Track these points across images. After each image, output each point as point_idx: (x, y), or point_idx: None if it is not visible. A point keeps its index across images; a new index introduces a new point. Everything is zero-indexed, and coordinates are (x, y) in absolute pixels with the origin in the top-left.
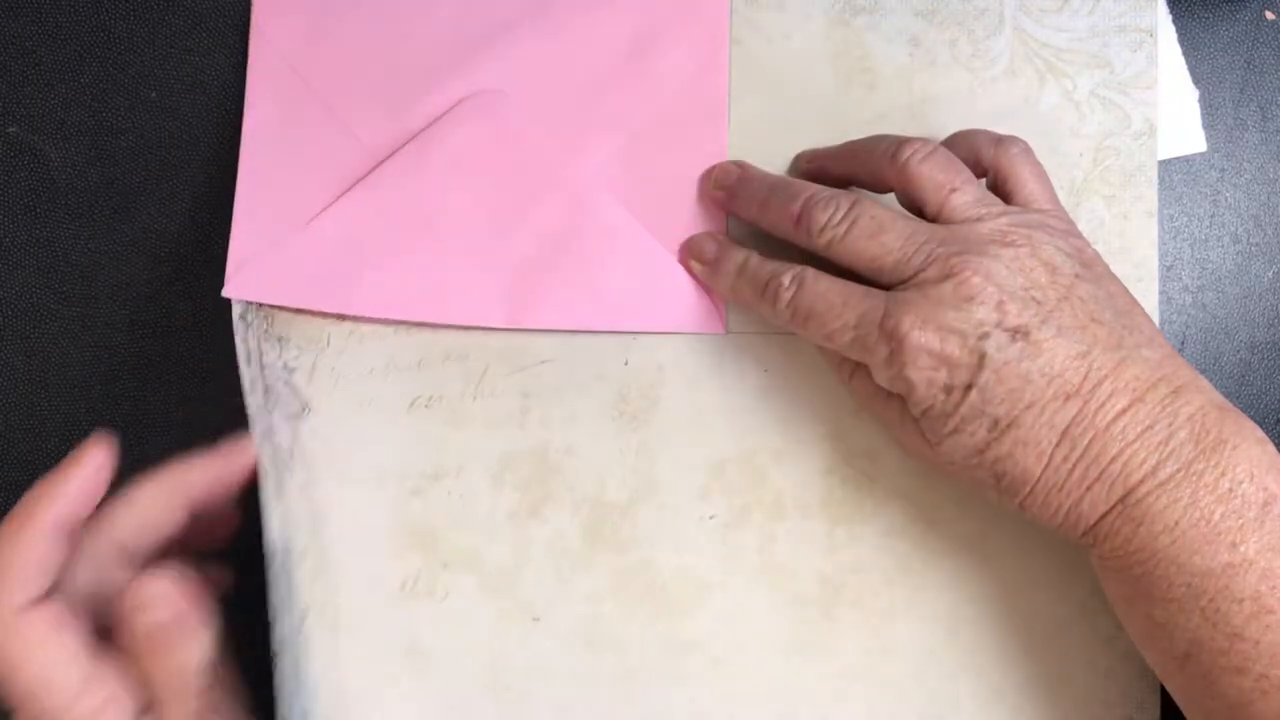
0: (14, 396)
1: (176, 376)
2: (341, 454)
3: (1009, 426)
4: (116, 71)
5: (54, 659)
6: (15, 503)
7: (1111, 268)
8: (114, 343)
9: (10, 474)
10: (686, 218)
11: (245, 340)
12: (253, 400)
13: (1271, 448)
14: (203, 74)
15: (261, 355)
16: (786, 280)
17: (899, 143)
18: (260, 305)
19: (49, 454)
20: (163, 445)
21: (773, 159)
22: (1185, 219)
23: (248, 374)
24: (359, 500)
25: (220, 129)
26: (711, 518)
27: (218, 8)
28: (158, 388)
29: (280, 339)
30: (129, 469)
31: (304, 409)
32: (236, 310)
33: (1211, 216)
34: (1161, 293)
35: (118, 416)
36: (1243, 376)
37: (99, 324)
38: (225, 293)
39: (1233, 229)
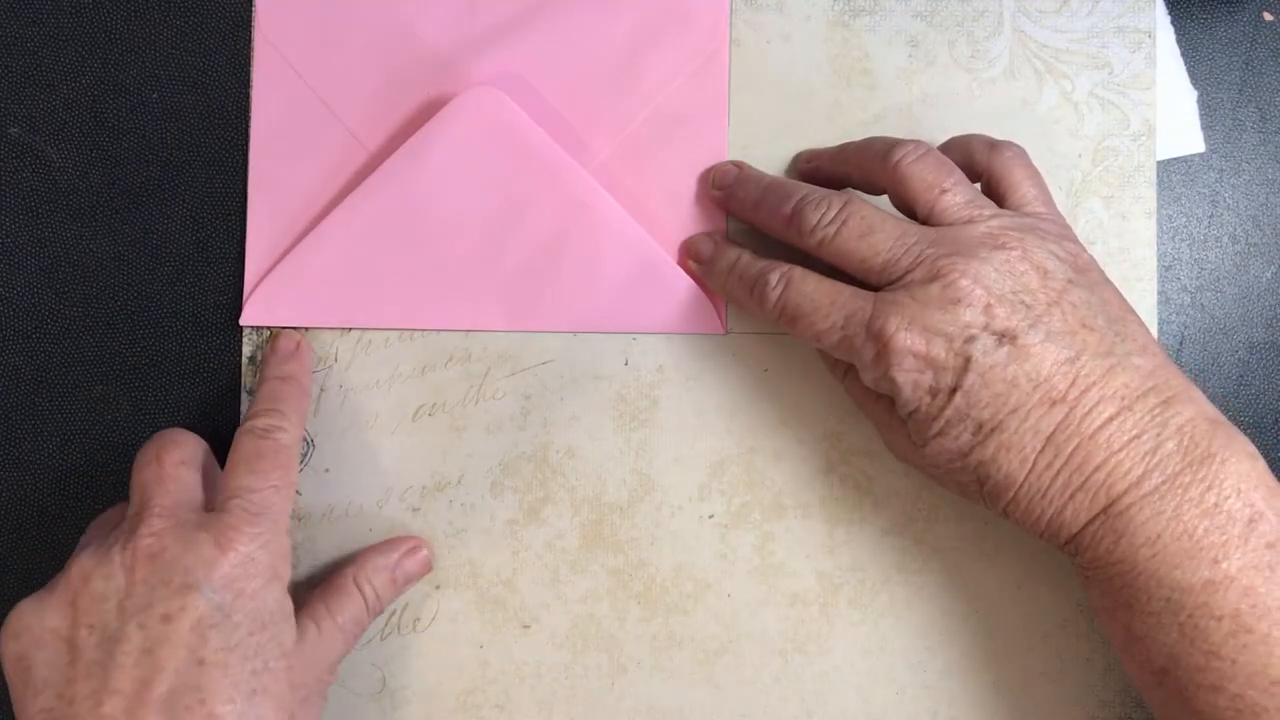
0: (14, 396)
1: (176, 376)
2: (344, 483)
3: (993, 430)
4: (118, 73)
5: None
6: (16, 504)
7: (1110, 268)
8: (114, 343)
9: (10, 474)
10: (686, 218)
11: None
12: None
13: (1262, 463)
14: (204, 75)
15: None
16: (774, 279)
17: (891, 144)
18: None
19: (49, 454)
20: None
21: (772, 159)
22: (1184, 219)
23: None
24: (355, 531)
25: (221, 130)
26: (711, 517)
27: (219, 9)
28: (157, 388)
29: None
30: (128, 469)
31: (307, 450)
32: (246, 352)
33: (1210, 217)
34: (1160, 293)
35: (118, 416)
36: (1241, 377)
37: (99, 324)
38: (243, 321)
39: (1231, 229)
